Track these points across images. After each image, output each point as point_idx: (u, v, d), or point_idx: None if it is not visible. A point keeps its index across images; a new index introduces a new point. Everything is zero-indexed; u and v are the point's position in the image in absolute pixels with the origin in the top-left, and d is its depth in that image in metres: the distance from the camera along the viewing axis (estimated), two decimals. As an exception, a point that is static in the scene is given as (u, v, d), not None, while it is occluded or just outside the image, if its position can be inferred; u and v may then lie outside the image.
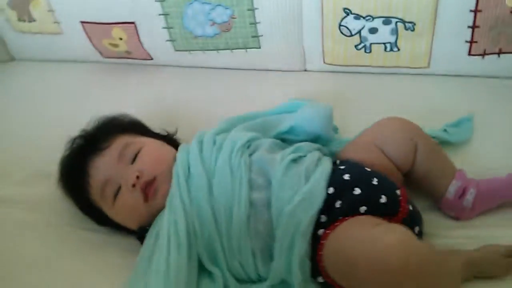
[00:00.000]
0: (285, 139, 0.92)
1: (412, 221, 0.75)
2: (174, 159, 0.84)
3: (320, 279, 0.74)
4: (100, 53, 1.27)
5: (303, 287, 0.73)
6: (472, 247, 0.79)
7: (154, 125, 0.99)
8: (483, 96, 1.05)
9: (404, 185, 0.83)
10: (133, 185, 0.80)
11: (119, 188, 0.82)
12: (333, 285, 0.72)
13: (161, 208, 0.80)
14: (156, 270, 0.72)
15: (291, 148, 0.83)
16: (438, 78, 1.11)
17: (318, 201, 0.74)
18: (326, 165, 0.79)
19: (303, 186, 0.75)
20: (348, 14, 1.04)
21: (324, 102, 0.99)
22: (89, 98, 1.21)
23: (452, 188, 0.82)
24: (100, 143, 0.86)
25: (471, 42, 1.03)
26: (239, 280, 0.77)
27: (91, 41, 1.24)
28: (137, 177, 0.81)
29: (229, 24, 1.12)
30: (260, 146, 0.84)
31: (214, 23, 1.13)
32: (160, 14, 1.13)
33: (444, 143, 0.94)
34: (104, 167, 0.83)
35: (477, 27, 1.00)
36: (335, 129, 1.01)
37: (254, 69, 1.22)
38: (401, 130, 0.86)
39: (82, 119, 0.93)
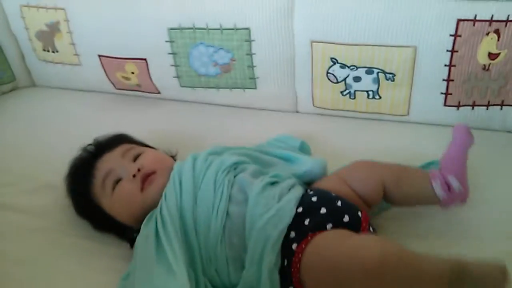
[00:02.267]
0: None
1: None
2: (173, 164, 0.95)
3: None
4: (113, 84, 1.40)
5: (271, 296, 0.80)
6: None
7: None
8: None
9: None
10: (134, 176, 0.91)
11: (119, 179, 0.93)
12: None
13: (153, 203, 0.89)
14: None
15: (270, 174, 0.93)
16: (416, 125, 1.21)
17: (287, 218, 0.82)
18: (298, 190, 0.89)
19: (275, 205, 0.84)
20: (334, 63, 1.16)
21: (312, 143, 1.12)
22: (98, 124, 1.29)
23: (438, 190, 0.89)
24: (108, 147, 0.98)
25: (446, 94, 1.13)
26: (214, 286, 0.85)
27: (106, 73, 1.37)
28: (138, 170, 0.92)
29: (229, 66, 1.25)
30: (245, 169, 0.94)
31: (216, 64, 1.25)
32: (169, 53, 1.26)
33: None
34: (108, 160, 0.95)
35: (452, 80, 1.11)
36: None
37: (251, 108, 1.33)
38: (367, 170, 0.95)
39: (90, 141, 1.05)
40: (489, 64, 1.06)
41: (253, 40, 1.19)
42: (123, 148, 0.98)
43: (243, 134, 1.24)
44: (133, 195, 0.91)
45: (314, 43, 1.15)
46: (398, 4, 1.06)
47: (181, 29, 1.22)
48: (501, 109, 1.13)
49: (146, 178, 0.92)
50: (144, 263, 0.82)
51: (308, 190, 0.91)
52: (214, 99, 1.34)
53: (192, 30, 1.21)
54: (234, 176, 0.91)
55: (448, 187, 0.89)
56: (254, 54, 1.21)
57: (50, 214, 1.05)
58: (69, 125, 1.33)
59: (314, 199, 0.86)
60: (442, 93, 1.13)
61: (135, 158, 0.97)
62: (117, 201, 0.93)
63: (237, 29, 1.19)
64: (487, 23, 1.01)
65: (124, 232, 0.94)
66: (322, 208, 0.83)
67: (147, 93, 1.40)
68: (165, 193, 0.90)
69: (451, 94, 1.13)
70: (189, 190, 0.88)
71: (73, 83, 1.47)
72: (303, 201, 0.86)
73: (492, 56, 1.05)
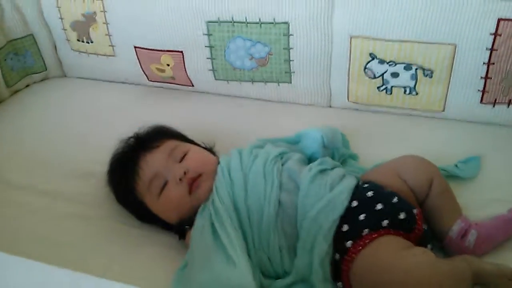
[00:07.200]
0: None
1: (427, 239, 0.84)
2: (217, 163, 0.96)
3: (340, 285, 0.82)
4: (147, 76, 1.41)
5: (322, 285, 0.81)
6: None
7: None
8: (490, 142, 1.15)
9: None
10: (180, 179, 0.91)
11: (166, 183, 0.92)
12: None
13: (201, 202, 0.91)
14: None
15: (317, 161, 0.94)
16: (451, 122, 1.22)
17: (339, 208, 0.83)
18: (350, 180, 0.90)
19: (327, 194, 0.85)
20: (373, 59, 1.17)
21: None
22: (130, 116, 1.31)
23: (456, 227, 0.88)
24: (152, 142, 0.97)
25: (483, 91, 1.14)
26: (264, 275, 0.85)
27: (140, 65, 1.38)
28: (184, 173, 0.91)
29: (265, 59, 1.26)
30: (291, 158, 0.96)
31: (252, 57, 1.26)
32: (206, 46, 1.27)
33: (454, 177, 1.04)
34: (154, 162, 0.94)
35: (489, 78, 1.12)
36: (355, 157, 1.11)
37: (284, 102, 1.34)
38: (422, 167, 0.95)
39: (123, 132, 1.04)
40: (528, 63, 1.08)
41: (291, 35, 1.20)
42: (168, 147, 0.97)
43: (276, 127, 1.24)
44: (182, 198, 0.92)
45: (353, 38, 1.16)
46: (439, 2, 1.08)
47: (219, 22, 1.23)
48: (536, 108, 1.15)
49: (192, 182, 0.93)
50: (202, 253, 0.83)
51: (361, 183, 0.92)
52: (248, 93, 1.35)
53: (230, 23, 1.22)
54: (282, 165, 0.93)
55: (464, 234, 0.88)
56: (292, 48, 1.22)
57: (86, 198, 1.07)
58: (99, 116, 1.34)
59: (370, 194, 0.86)
60: (479, 91, 1.14)
61: (181, 159, 0.96)
62: (164, 204, 0.93)
63: (276, 23, 1.20)
64: (528, 22, 1.03)
65: (170, 225, 0.95)
66: (378, 204, 0.84)
67: (180, 86, 1.40)
68: (216, 186, 0.91)
69: (487, 92, 1.14)
70: (240, 181, 0.90)
71: (104, 74, 1.47)
72: (358, 195, 0.87)
73: (531, 55, 1.06)
